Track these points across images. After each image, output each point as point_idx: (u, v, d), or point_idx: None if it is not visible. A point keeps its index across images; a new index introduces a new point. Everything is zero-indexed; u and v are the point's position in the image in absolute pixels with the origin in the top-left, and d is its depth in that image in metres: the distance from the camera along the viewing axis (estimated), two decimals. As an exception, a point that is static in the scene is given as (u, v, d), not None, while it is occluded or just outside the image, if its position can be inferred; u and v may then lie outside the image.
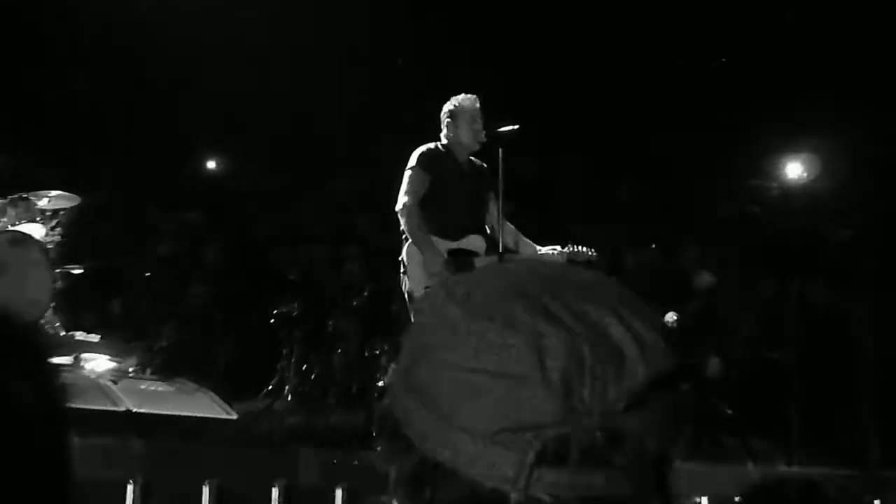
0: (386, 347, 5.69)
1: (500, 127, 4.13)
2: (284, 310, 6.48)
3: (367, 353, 5.95)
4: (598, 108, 7.35)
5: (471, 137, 4.33)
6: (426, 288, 3.94)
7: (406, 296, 4.17)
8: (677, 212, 7.28)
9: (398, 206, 4.16)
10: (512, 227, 4.50)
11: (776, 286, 6.21)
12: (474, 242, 4.25)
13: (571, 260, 4.19)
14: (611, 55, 7.31)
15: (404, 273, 4.10)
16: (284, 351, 6.18)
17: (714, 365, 5.58)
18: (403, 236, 4.23)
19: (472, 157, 4.53)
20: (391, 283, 6.00)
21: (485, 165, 4.52)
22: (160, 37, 6.83)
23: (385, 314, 5.83)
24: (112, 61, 7.08)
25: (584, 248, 4.29)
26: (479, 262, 4.10)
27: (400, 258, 4.19)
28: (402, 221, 4.17)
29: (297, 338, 6.26)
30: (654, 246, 5.37)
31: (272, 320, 6.35)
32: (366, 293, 6.28)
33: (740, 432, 5.19)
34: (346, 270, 7.05)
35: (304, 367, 6.04)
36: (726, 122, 7.22)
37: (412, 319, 3.99)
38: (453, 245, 4.18)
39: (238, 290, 7.31)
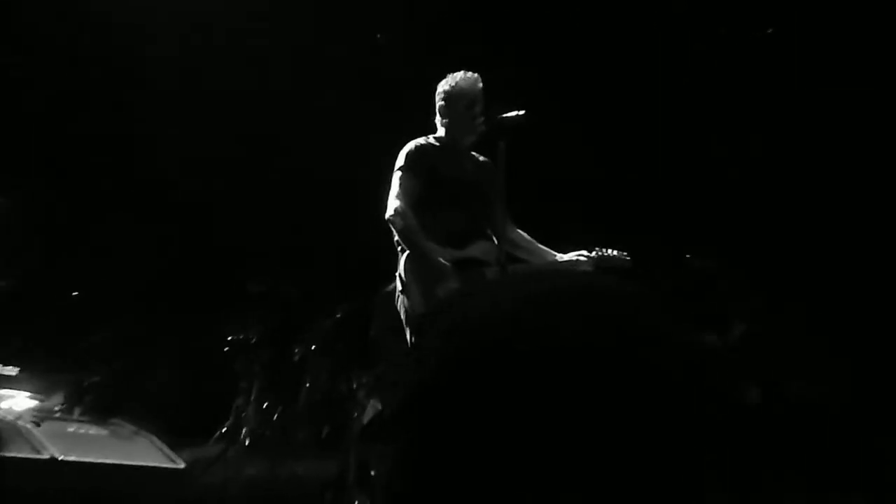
0: (364, 381, 5.62)
1: (502, 112, 4.05)
2: (241, 335, 6.41)
3: (342, 388, 5.86)
4: (623, 91, 7.42)
5: (470, 126, 4.26)
6: (428, 308, 3.87)
7: (403, 316, 4.08)
8: (718, 216, 7.29)
9: (388, 213, 4.07)
10: (522, 233, 4.45)
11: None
12: (483, 250, 4.16)
13: (600, 267, 4.15)
14: (642, 30, 7.35)
15: (402, 291, 4.02)
16: (242, 385, 6.09)
17: (754, 394, 5.67)
18: (399, 248, 4.15)
19: (473, 152, 4.47)
20: (370, 301, 6.06)
21: (487, 160, 4.47)
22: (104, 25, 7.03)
23: (364, 339, 5.74)
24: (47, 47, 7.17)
25: (616, 253, 4.24)
26: (489, 275, 3.99)
27: (397, 273, 4.10)
28: (394, 230, 4.08)
29: (257, 370, 6.18)
30: (689, 256, 5.36)
31: (226, 348, 6.25)
32: (339, 315, 6.18)
33: (771, 469, 5.16)
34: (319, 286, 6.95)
35: (265, 406, 5.95)
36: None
37: (410, 343, 3.93)
38: (459, 255, 4.10)
39: (187, 311, 7.29)
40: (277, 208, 7.92)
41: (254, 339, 6.43)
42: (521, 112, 3.99)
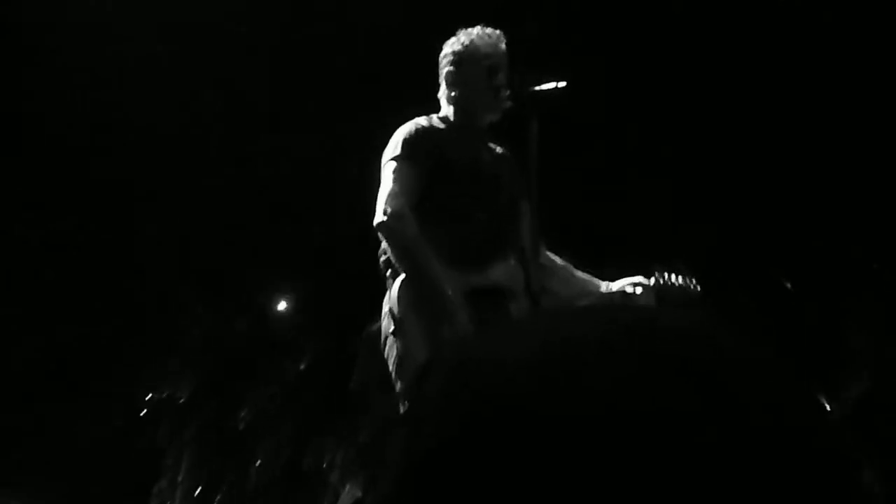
0: (339, 455, 5.48)
1: (535, 84, 3.87)
2: (165, 392, 6.31)
3: (307, 465, 5.76)
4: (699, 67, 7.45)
5: (490, 99, 4.05)
6: (430, 355, 3.67)
7: (394, 366, 3.86)
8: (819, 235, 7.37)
9: (378, 217, 3.84)
10: (552, 255, 4.26)
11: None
12: (508, 274, 3.96)
13: (664, 300, 4.02)
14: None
15: (394, 331, 3.79)
16: (166, 462, 5.92)
17: (870, 481, 5.50)
18: (388, 271, 3.92)
19: (491, 142, 4.28)
20: (350, 344, 5.99)
21: (506, 152, 4.28)
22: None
23: (340, 396, 5.60)
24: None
25: (683, 280, 4.12)
26: (515, 309, 3.80)
27: (387, 306, 3.88)
28: (387, 242, 3.87)
29: (188, 439, 6.05)
30: (788, 285, 5.26)
31: (144, 410, 6.14)
32: (303, 366, 6.09)
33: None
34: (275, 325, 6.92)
35: (197, 490, 5.77)
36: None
37: (404, 404, 3.72)
38: (475, 281, 3.90)
39: (93, 354, 7.16)
40: (230, 213, 8.03)
41: (183, 399, 6.29)
42: (561, 83, 3.79)
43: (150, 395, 6.53)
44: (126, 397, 6.61)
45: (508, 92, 3.96)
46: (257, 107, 7.90)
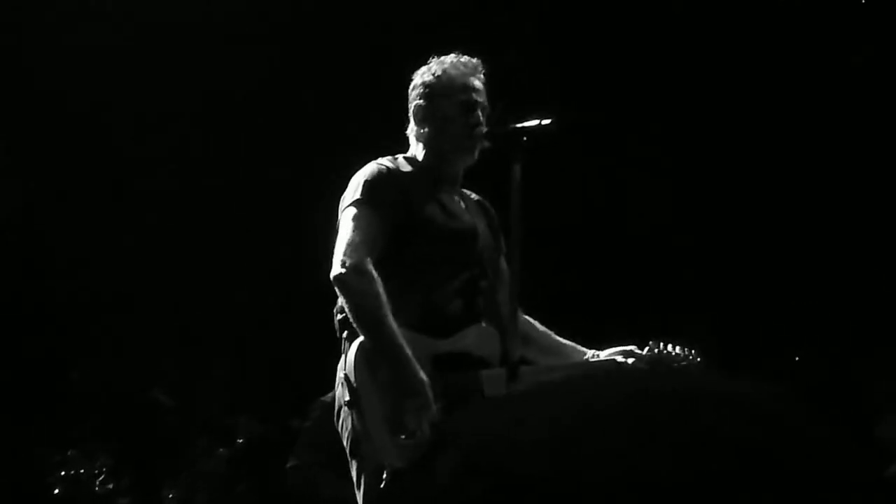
0: None
1: (521, 121, 3.78)
2: (76, 469, 6.16)
3: None
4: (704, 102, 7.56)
5: (465, 139, 3.97)
6: (394, 436, 3.56)
7: (348, 443, 3.72)
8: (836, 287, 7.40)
9: (335, 269, 3.74)
10: (531, 319, 4.15)
11: None
12: (479, 341, 3.85)
13: (656, 370, 3.86)
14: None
15: (350, 403, 3.65)
16: None
17: None
18: (344, 332, 3.80)
19: (466, 189, 4.18)
20: (295, 419, 5.85)
21: (483, 200, 4.19)
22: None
23: (278, 481, 5.35)
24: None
25: (680, 350, 4.03)
26: (489, 381, 3.72)
27: (341, 372, 3.74)
28: (344, 297, 3.75)
29: None
30: (797, 359, 5.19)
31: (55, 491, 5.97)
32: (240, 440, 5.93)
33: None
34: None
35: None
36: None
37: (361, 491, 3.65)
38: (444, 347, 3.77)
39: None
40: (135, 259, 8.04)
41: (99, 475, 6.09)
42: (548, 120, 3.75)
43: (62, 472, 6.26)
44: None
45: (486, 130, 3.89)
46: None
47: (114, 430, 7.07)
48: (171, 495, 6.38)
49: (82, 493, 6.61)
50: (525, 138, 3.71)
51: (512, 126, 3.77)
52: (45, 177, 7.87)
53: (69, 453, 6.66)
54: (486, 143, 3.90)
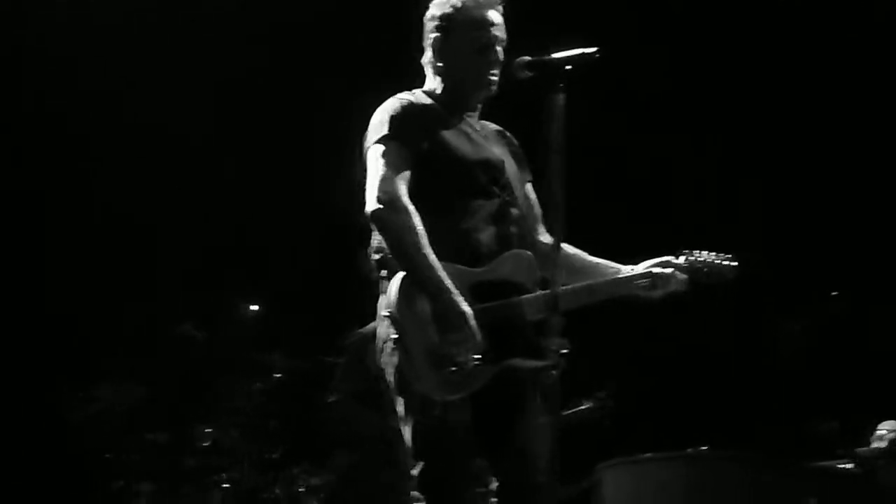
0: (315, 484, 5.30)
1: (556, 51, 3.68)
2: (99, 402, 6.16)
3: (276, 495, 5.81)
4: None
5: (479, 74, 3.93)
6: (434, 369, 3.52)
7: (393, 378, 3.71)
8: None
9: (370, 206, 3.72)
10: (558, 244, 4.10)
11: None
12: (515, 267, 3.83)
13: (696, 282, 3.95)
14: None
15: (395, 341, 3.64)
16: (118, 483, 6.20)
17: None
18: (382, 270, 3.78)
19: (482, 122, 4.14)
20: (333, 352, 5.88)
21: (504, 131, 4.15)
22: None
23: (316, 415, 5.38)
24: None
25: (714, 257, 4.02)
26: (529, 306, 3.71)
27: (384, 309, 3.73)
28: (381, 232, 3.74)
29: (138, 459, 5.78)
30: (835, 293, 5.10)
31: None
32: (277, 375, 6.03)
33: None
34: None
35: None
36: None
37: (405, 431, 3.62)
38: (479, 276, 3.74)
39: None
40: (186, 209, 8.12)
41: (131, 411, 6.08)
42: (591, 49, 3.66)
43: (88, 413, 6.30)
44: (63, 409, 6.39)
45: (529, 61, 3.80)
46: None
47: (146, 366, 7.08)
48: (206, 430, 6.37)
49: (115, 428, 6.64)
50: (567, 67, 3.62)
51: (552, 56, 3.67)
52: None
53: (100, 388, 6.69)
54: (527, 74, 3.85)
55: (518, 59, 3.81)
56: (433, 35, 3.98)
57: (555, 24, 4.42)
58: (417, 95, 3.96)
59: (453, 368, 3.50)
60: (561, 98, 3.60)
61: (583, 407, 6.26)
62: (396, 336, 3.58)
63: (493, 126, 4.13)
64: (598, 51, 3.63)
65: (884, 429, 6.90)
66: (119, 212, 7.97)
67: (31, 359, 7.80)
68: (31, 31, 7.77)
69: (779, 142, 8.08)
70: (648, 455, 4.94)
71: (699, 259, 4.00)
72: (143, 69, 7.82)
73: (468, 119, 3.99)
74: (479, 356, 3.51)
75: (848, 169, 8.01)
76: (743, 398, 7.83)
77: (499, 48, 3.92)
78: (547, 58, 3.70)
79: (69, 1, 7.74)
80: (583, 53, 3.63)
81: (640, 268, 3.98)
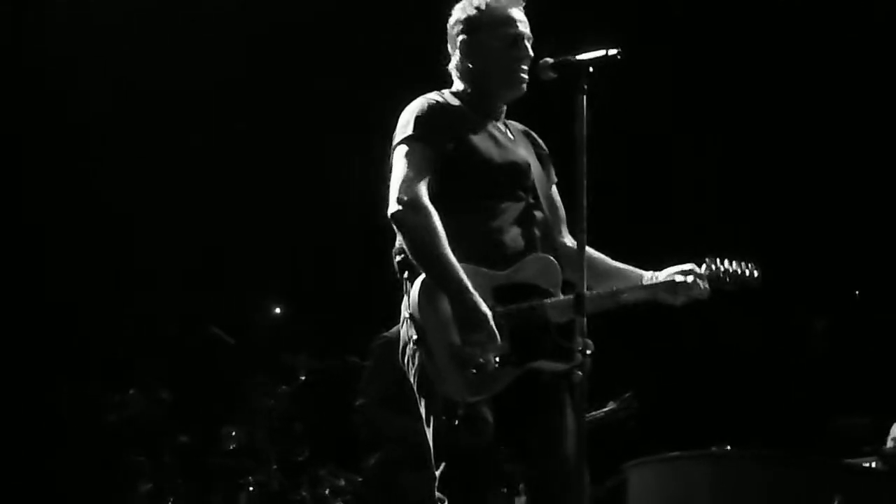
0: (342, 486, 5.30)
1: (579, 52, 3.67)
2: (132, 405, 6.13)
3: (303, 496, 5.73)
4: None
5: (509, 70, 3.92)
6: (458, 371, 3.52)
7: (415, 380, 3.71)
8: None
9: (391, 208, 3.72)
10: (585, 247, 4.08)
11: None
12: (538, 270, 3.83)
13: (719, 289, 3.90)
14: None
15: (417, 342, 3.64)
16: (142, 486, 6.21)
17: None
18: (405, 272, 3.78)
19: (510, 122, 4.13)
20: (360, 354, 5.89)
21: (530, 131, 4.15)
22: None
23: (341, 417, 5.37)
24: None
25: (739, 266, 3.98)
26: (553, 310, 3.69)
27: (406, 311, 3.72)
28: (402, 234, 3.73)
29: (167, 462, 5.85)
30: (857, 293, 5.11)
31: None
32: (303, 377, 5.97)
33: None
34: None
35: None
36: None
37: (429, 433, 3.63)
38: (504, 279, 3.74)
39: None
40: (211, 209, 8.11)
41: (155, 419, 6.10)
42: (614, 50, 3.65)
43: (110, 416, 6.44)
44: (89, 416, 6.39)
45: (553, 62, 3.79)
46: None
47: (174, 369, 7.11)
48: (232, 433, 6.39)
49: (143, 431, 6.67)
50: (591, 69, 3.61)
51: (576, 57, 3.65)
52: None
53: (130, 392, 6.71)
54: (551, 75, 3.85)
55: (542, 61, 3.82)
56: (460, 38, 3.97)
57: (558, 26, 4.38)
58: (446, 96, 3.95)
59: (474, 370, 3.50)
60: (583, 99, 3.62)
61: (608, 408, 6.25)
62: (417, 337, 3.58)
63: (521, 127, 4.12)
64: (620, 52, 3.62)
65: None
66: (143, 217, 8.01)
67: (61, 362, 7.85)
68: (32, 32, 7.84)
69: (800, 142, 8.06)
70: (673, 454, 4.93)
71: (721, 267, 3.95)
72: (149, 66, 7.82)
73: (495, 121, 3.98)
74: (501, 358, 3.50)
75: (872, 168, 7.98)
76: (768, 396, 7.80)
77: (526, 44, 3.92)
78: (571, 59, 3.69)
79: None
80: (606, 54, 3.61)
81: (663, 274, 3.94)
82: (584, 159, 3.58)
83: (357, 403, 5.51)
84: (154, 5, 7.72)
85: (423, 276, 3.63)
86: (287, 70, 8.03)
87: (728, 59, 7.89)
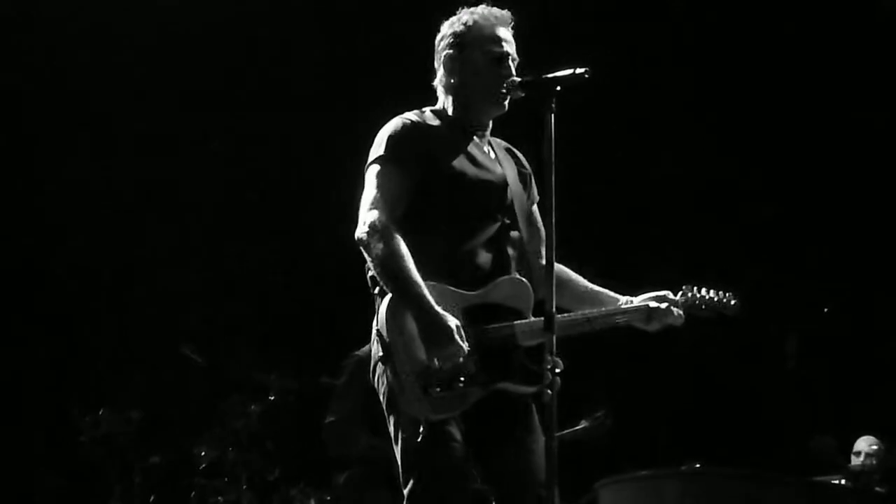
0: None
1: (552, 71, 3.68)
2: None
3: None
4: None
5: (494, 91, 3.91)
6: (429, 384, 3.52)
7: (384, 398, 3.70)
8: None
9: (359, 230, 3.71)
10: (563, 268, 4.07)
11: None
12: (510, 291, 3.81)
13: (694, 315, 3.88)
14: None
15: (384, 359, 3.63)
16: None
17: None
18: (375, 288, 3.77)
19: (493, 139, 4.12)
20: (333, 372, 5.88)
21: (514, 150, 4.13)
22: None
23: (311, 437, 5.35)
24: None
25: (717, 294, 3.96)
26: (522, 332, 3.68)
27: (374, 328, 3.71)
28: (368, 257, 3.71)
29: (138, 482, 5.86)
30: (826, 310, 5.12)
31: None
32: (272, 396, 6.05)
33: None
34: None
35: None
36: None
37: (398, 452, 3.61)
38: (473, 299, 3.72)
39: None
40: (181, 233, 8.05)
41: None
42: (583, 70, 3.63)
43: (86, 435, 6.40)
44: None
45: (518, 81, 3.82)
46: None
47: (145, 389, 7.08)
48: (202, 453, 6.36)
49: (115, 451, 6.63)
50: (558, 88, 3.59)
51: (545, 75, 3.66)
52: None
53: (101, 412, 6.67)
54: (520, 94, 3.85)
55: (510, 80, 3.84)
56: (446, 53, 3.95)
57: (550, 43, 4.42)
58: (426, 115, 3.94)
59: (439, 388, 3.49)
60: (551, 118, 3.60)
61: (581, 426, 6.24)
62: (383, 354, 3.57)
63: (504, 144, 4.10)
64: (588, 71, 3.60)
65: (863, 444, 6.88)
66: (116, 237, 7.97)
67: (33, 382, 7.81)
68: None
69: (778, 160, 8.07)
70: (645, 473, 4.93)
71: (698, 296, 3.92)
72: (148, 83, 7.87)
73: (477, 138, 3.97)
74: (467, 378, 3.50)
75: (845, 185, 8.00)
76: (739, 414, 7.81)
77: (511, 63, 3.90)
78: (538, 78, 3.70)
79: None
80: (574, 74, 3.59)
81: (638, 300, 3.92)
82: (553, 179, 3.59)
83: (326, 421, 5.49)
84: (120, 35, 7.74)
85: (391, 294, 3.62)
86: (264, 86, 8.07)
87: (708, 85, 7.92)
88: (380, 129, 3.88)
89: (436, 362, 3.50)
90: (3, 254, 7.92)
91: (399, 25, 7.23)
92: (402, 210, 3.72)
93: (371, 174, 3.78)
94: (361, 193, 3.78)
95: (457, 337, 3.51)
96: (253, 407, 6.49)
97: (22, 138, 7.98)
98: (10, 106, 7.82)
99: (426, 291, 3.56)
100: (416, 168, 3.78)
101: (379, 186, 3.74)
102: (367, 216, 3.69)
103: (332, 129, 7.36)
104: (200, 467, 6.38)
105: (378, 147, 3.81)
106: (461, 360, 3.51)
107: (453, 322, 3.53)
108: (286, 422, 6.64)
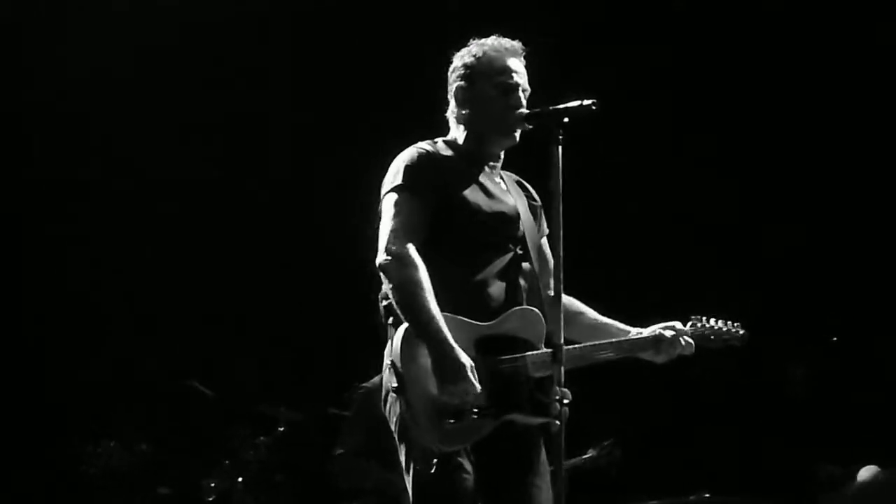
0: None
1: (562, 102, 3.70)
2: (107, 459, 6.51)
3: None
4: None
5: (505, 122, 3.93)
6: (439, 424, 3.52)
7: (396, 428, 3.71)
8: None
9: (380, 257, 3.73)
10: (569, 299, 4.09)
11: None
12: (522, 323, 3.82)
13: (704, 347, 3.93)
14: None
15: (397, 390, 3.63)
16: None
17: None
18: (389, 318, 3.78)
19: (504, 172, 4.14)
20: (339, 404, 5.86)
21: (523, 182, 4.14)
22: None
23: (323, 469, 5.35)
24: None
25: (725, 326, 4.00)
26: (534, 364, 3.69)
27: (388, 357, 3.72)
28: (388, 284, 3.72)
29: None
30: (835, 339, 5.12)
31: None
32: (281, 428, 6.00)
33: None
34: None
35: None
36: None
37: (408, 482, 3.61)
38: (487, 331, 3.74)
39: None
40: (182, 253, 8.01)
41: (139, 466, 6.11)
42: (589, 101, 3.67)
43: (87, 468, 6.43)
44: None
45: (527, 113, 3.84)
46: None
47: (153, 421, 7.08)
48: (211, 485, 6.36)
49: (122, 483, 6.63)
50: (565, 119, 3.64)
51: (552, 107, 3.70)
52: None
53: (109, 444, 6.67)
54: (528, 126, 3.88)
55: (517, 112, 3.87)
56: (457, 84, 3.99)
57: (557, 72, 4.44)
58: (438, 145, 3.96)
59: (451, 420, 3.50)
60: (558, 150, 3.62)
61: (589, 455, 6.24)
62: (397, 385, 3.58)
63: (514, 177, 4.12)
64: (594, 102, 3.64)
65: (864, 474, 6.88)
66: (119, 265, 7.97)
67: (39, 414, 7.79)
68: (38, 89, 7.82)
69: (782, 184, 8.06)
70: (653, 503, 4.93)
71: (707, 325, 3.98)
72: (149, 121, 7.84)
73: (489, 170, 3.99)
74: (478, 409, 3.50)
75: (850, 213, 7.99)
76: (746, 444, 7.79)
77: (522, 94, 3.93)
78: (545, 110, 3.74)
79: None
80: (580, 105, 3.63)
81: (647, 331, 3.95)
82: (560, 210, 3.62)
83: (335, 453, 5.49)
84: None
85: (405, 324, 3.63)
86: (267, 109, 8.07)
87: (707, 115, 7.95)
88: (392, 159, 3.90)
89: (446, 397, 3.51)
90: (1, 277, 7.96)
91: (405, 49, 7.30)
92: (422, 238, 3.74)
93: (389, 203, 3.80)
94: (378, 223, 3.80)
95: (469, 375, 3.52)
96: (262, 438, 6.50)
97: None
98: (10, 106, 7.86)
99: (443, 325, 3.57)
100: (431, 197, 3.80)
101: (398, 215, 3.75)
102: (389, 244, 3.70)
103: (341, 161, 7.39)
104: (209, 499, 6.37)
105: (395, 176, 3.83)
106: (472, 396, 3.51)
107: (468, 361, 3.54)
108: (295, 454, 6.63)
